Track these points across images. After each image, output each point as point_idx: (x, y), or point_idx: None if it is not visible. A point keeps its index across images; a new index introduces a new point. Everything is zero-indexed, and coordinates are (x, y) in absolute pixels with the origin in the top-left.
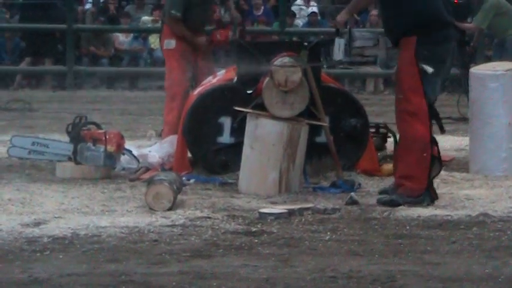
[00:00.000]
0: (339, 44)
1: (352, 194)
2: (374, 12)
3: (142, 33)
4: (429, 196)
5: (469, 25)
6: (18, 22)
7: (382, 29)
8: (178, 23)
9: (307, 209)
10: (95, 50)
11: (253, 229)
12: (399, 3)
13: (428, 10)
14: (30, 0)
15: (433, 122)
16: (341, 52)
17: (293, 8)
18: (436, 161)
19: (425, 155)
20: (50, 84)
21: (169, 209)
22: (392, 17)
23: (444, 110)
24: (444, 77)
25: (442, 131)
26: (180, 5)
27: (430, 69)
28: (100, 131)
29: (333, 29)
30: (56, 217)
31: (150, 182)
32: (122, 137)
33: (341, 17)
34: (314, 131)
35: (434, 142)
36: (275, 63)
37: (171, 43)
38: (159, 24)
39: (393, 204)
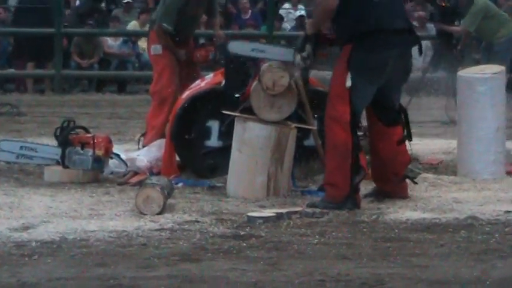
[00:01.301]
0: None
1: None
2: None
3: (131, 37)
4: (352, 203)
5: (457, 28)
6: (11, 25)
7: None
8: (166, 34)
9: (296, 212)
10: (79, 60)
11: (242, 233)
12: (339, 12)
13: (363, 18)
14: (24, 4)
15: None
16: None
17: (281, 11)
18: (360, 168)
19: (346, 161)
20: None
21: (158, 214)
22: (335, 26)
23: (432, 113)
24: (395, 85)
25: (410, 138)
26: (173, 19)
27: (349, 82)
28: (88, 135)
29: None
30: (44, 221)
31: (141, 185)
32: (110, 141)
33: (308, 29)
34: (302, 134)
35: (358, 149)
36: (263, 67)
37: (157, 48)
38: (146, 28)
39: (314, 206)
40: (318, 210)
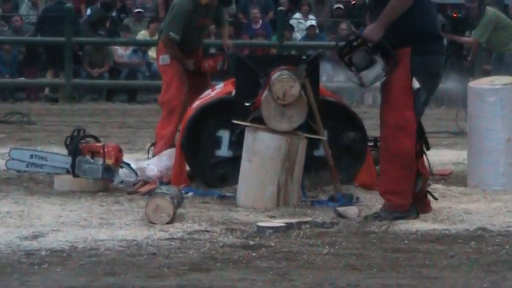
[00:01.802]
0: (377, 68)
1: (337, 208)
2: None
3: (142, 47)
4: (416, 211)
5: (467, 39)
6: (34, 34)
7: None
8: (173, 44)
9: (305, 222)
10: (89, 70)
11: (251, 243)
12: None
13: (424, 21)
14: (47, 14)
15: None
16: (373, 78)
17: (291, 21)
18: (421, 176)
19: (412, 171)
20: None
21: (168, 223)
22: (392, 27)
23: (442, 124)
24: (434, 91)
25: (427, 147)
26: (180, 29)
27: (416, 85)
28: (98, 144)
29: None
30: (54, 230)
31: (151, 195)
32: (120, 150)
33: (377, 35)
34: (312, 144)
35: (420, 156)
36: (273, 76)
37: (165, 59)
38: (156, 37)
39: (378, 218)
40: (378, 219)
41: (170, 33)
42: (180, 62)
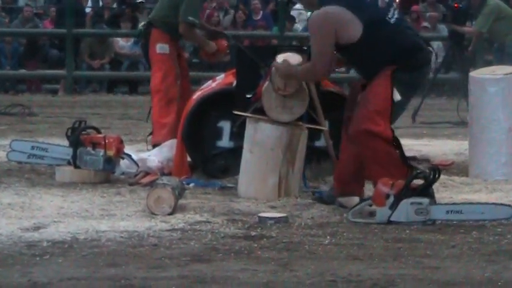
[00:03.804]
0: None
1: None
2: None
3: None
4: None
5: (469, 29)
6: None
7: None
8: (194, 28)
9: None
10: (90, 62)
11: (253, 233)
12: (368, 41)
13: (395, 39)
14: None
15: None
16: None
17: (292, 12)
18: (407, 161)
19: (403, 165)
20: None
21: (170, 214)
22: (367, 53)
23: (444, 114)
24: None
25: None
26: (198, 12)
27: (397, 97)
28: (99, 135)
29: None
30: (55, 221)
31: (153, 186)
32: (121, 142)
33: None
34: (313, 135)
35: (405, 158)
36: (276, 60)
37: (164, 48)
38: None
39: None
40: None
41: (189, 18)
42: (203, 45)
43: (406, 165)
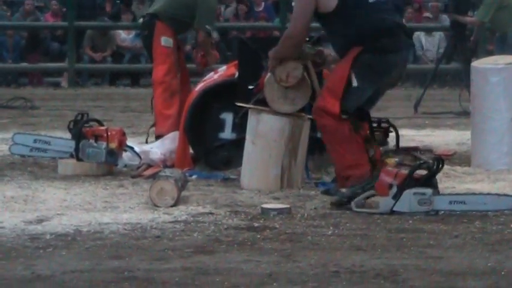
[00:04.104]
0: None
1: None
2: None
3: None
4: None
5: (471, 19)
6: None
7: None
8: (210, 37)
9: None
10: (91, 54)
11: (256, 224)
12: (341, 14)
13: (368, 19)
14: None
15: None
16: None
17: (294, 3)
18: (370, 141)
19: (354, 139)
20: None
21: (172, 206)
22: (337, 27)
23: (446, 104)
24: (386, 88)
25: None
26: (214, 19)
27: (354, 82)
28: (102, 128)
29: None
30: (58, 214)
31: (155, 178)
32: (123, 134)
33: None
34: (316, 126)
35: (359, 128)
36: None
37: (169, 41)
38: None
39: (342, 199)
40: (348, 197)
41: (207, 26)
42: (208, 53)
43: (359, 133)
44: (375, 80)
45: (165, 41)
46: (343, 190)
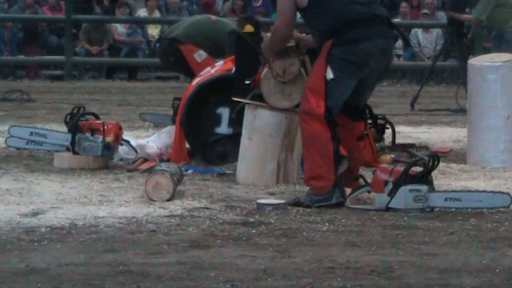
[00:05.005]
0: None
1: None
2: None
3: (140, 25)
4: (339, 193)
5: (468, 16)
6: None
7: None
8: None
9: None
10: (88, 47)
11: (251, 220)
12: (314, 9)
13: (339, 11)
14: None
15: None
16: None
17: None
18: (342, 159)
19: (327, 151)
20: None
21: (168, 201)
22: (312, 22)
23: (443, 101)
24: (371, 79)
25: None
26: None
27: (330, 75)
28: (98, 121)
29: None
30: (54, 207)
31: (151, 172)
32: (120, 128)
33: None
34: None
35: (338, 140)
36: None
37: (202, 54)
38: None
39: (299, 205)
40: (299, 203)
41: None
42: None
43: (335, 146)
44: (353, 72)
45: (199, 56)
46: (302, 198)
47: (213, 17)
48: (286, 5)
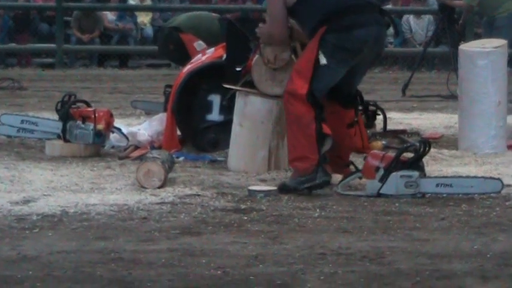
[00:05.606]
0: None
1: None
2: None
3: (129, 12)
4: (323, 172)
5: (459, 2)
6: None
7: None
8: None
9: None
10: (79, 35)
11: (243, 206)
12: (303, 3)
13: (333, 3)
14: None
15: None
16: None
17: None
18: (325, 137)
19: (310, 130)
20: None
21: (159, 188)
22: (303, 18)
23: (434, 88)
24: (365, 68)
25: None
26: None
27: (323, 61)
28: (89, 109)
29: None
30: (45, 195)
31: (143, 159)
32: (111, 115)
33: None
34: None
35: (321, 119)
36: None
37: (201, 44)
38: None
39: (285, 188)
40: (285, 186)
41: None
42: None
43: (318, 126)
44: (345, 59)
45: (199, 45)
46: (287, 181)
47: (215, 15)
48: (277, 8)
